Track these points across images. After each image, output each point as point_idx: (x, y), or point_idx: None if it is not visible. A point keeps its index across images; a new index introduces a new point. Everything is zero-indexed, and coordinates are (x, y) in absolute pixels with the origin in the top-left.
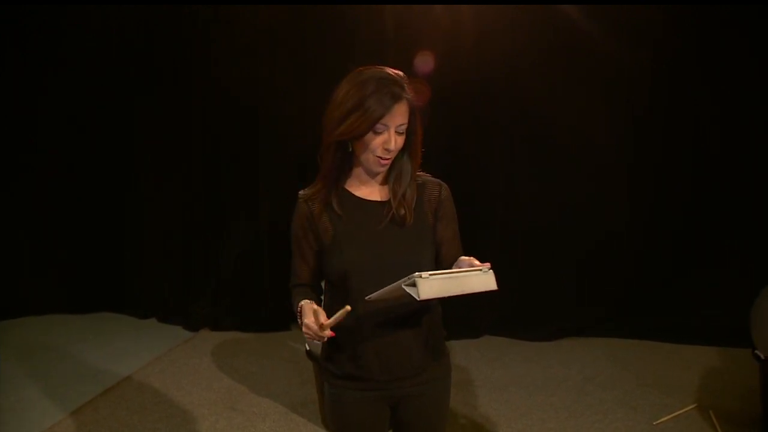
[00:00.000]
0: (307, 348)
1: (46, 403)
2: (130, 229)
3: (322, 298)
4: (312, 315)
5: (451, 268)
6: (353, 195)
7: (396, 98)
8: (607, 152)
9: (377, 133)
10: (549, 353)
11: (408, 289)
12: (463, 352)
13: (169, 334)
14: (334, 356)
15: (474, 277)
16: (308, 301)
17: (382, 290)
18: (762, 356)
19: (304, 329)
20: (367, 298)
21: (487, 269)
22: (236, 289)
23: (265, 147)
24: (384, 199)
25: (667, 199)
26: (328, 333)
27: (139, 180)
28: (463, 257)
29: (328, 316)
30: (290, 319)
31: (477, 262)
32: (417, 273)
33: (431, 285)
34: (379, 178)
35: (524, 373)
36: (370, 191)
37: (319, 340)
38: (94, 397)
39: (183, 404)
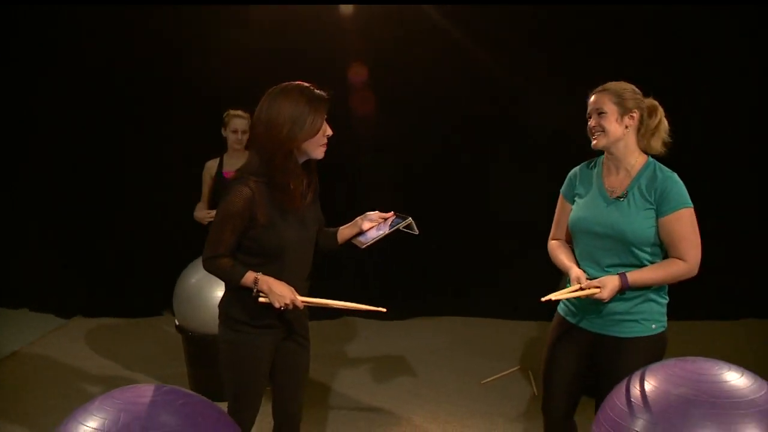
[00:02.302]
0: (177, 323)
1: None
2: (6, 220)
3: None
4: (287, 289)
5: (327, 238)
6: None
7: (325, 98)
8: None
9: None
10: (397, 330)
11: (406, 230)
12: (321, 331)
13: (42, 322)
14: (257, 311)
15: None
16: (258, 276)
17: (375, 237)
18: None
19: (280, 305)
20: (363, 247)
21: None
22: (111, 277)
23: (142, 138)
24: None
25: (496, 191)
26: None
27: (17, 167)
28: (367, 213)
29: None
30: (161, 305)
31: (382, 213)
32: (404, 216)
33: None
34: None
35: (375, 347)
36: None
37: (291, 308)
38: None
39: (59, 384)
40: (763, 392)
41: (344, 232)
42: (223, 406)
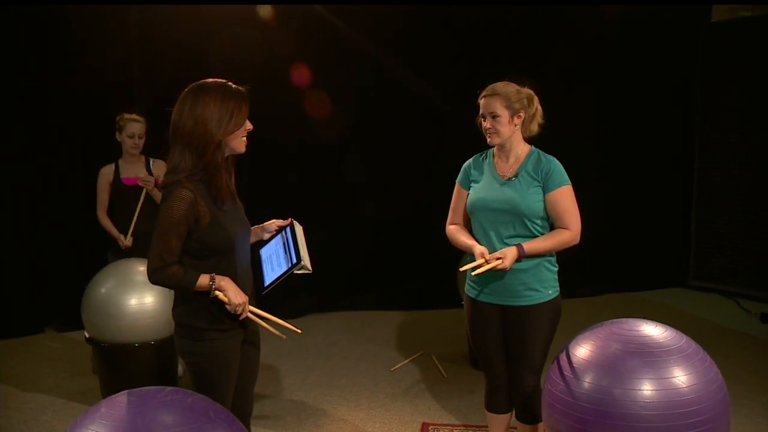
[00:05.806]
0: (87, 336)
1: None
2: None
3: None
4: (240, 294)
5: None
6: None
7: (245, 94)
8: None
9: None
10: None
11: (300, 272)
12: None
13: None
14: (221, 316)
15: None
16: (214, 275)
17: (276, 280)
18: None
19: (237, 302)
20: (264, 293)
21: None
22: None
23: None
24: None
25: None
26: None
27: None
28: (265, 224)
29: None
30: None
31: (280, 222)
32: (296, 264)
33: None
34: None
35: (278, 345)
36: None
37: (239, 313)
38: None
39: None
40: (684, 340)
41: None
42: None
